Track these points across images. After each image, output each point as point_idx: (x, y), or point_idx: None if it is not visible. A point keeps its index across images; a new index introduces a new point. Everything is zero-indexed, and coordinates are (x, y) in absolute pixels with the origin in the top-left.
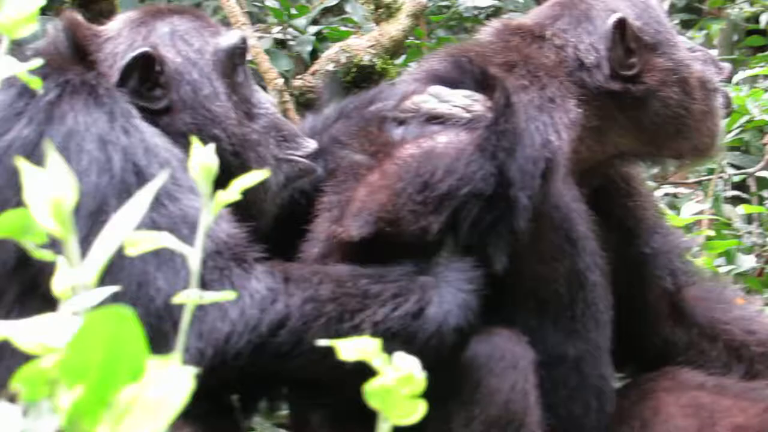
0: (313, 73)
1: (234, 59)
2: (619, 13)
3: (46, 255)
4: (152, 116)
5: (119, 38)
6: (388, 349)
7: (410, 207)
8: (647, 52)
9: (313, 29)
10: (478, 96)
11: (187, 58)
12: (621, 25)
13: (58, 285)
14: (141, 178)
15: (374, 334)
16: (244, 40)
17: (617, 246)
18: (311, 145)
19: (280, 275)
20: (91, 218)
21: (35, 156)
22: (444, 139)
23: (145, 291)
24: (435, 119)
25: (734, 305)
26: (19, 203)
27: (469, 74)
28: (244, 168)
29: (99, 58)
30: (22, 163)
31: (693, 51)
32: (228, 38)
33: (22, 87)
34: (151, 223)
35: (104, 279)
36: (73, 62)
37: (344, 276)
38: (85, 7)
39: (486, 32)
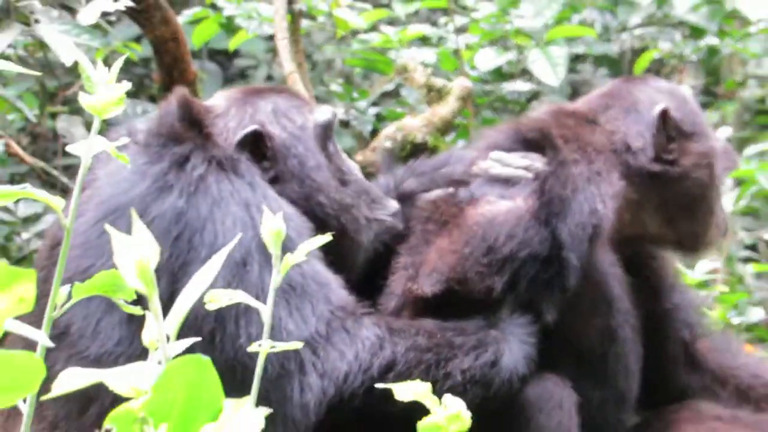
0: (372, 149)
1: (328, 132)
2: (662, 104)
3: (134, 310)
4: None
5: (228, 115)
6: (470, 394)
7: (476, 268)
8: (684, 139)
9: (373, 110)
10: (535, 156)
11: (291, 134)
12: (664, 115)
13: (145, 337)
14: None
15: (462, 380)
16: (335, 115)
17: (643, 302)
18: (394, 205)
19: (384, 326)
20: (236, 267)
21: (182, 223)
22: (504, 208)
23: (278, 333)
24: (499, 181)
25: (741, 353)
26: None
27: (528, 140)
28: (343, 228)
29: (214, 132)
30: (111, 230)
31: (717, 141)
32: (323, 114)
33: (171, 160)
34: (288, 278)
35: (239, 322)
36: (207, 139)
37: (434, 329)
38: (170, 91)
39: (542, 111)
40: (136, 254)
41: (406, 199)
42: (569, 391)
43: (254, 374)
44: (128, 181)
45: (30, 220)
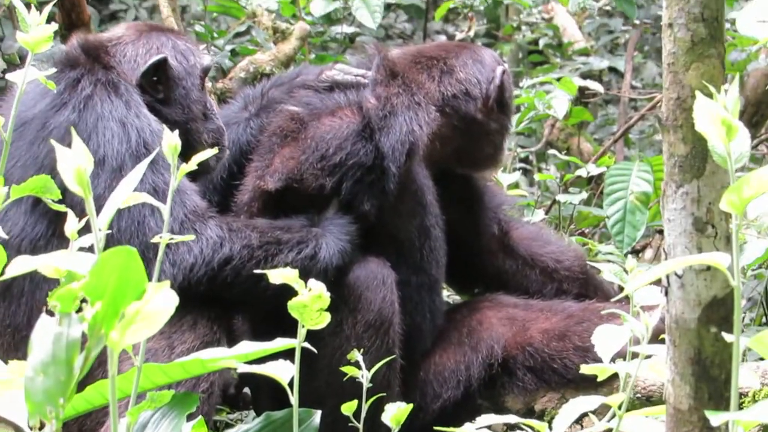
0: (230, 79)
1: (206, 75)
2: (503, 68)
3: (60, 207)
4: (155, 102)
5: (139, 43)
6: None
7: (311, 171)
8: (498, 105)
9: (229, 47)
10: (368, 71)
11: (185, 69)
12: (503, 74)
13: (67, 229)
14: (148, 150)
15: None
16: (213, 62)
17: (458, 204)
18: (225, 137)
19: (226, 227)
20: (113, 173)
21: (76, 131)
22: (335, 124)
23: (142, 228)
24: (340, 88)
25: (549, 241)
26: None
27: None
28: (196, 146)
29: (118, 57)
30: (56, 145)
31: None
32: (206, 60)
33: (66, 83)
34: (152, 183)
35: (118, 218)
36: (96, 65)
37: (265, 228)
38: (70, 29)
39: (399, 48)
40: (75, 164)
41: (270, 105)
42: (389, 270)
43: None
44: (33, 99)
45: None
